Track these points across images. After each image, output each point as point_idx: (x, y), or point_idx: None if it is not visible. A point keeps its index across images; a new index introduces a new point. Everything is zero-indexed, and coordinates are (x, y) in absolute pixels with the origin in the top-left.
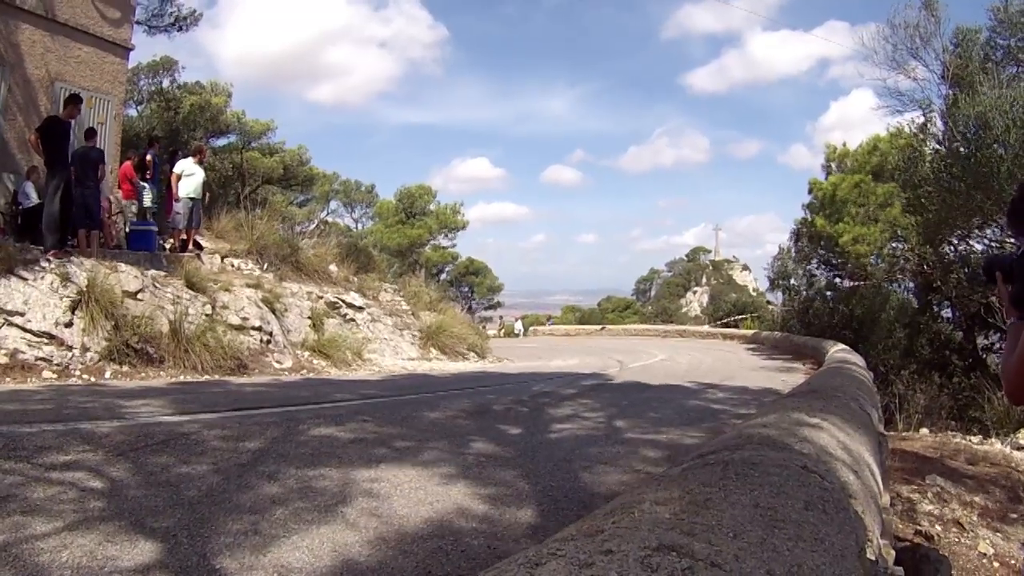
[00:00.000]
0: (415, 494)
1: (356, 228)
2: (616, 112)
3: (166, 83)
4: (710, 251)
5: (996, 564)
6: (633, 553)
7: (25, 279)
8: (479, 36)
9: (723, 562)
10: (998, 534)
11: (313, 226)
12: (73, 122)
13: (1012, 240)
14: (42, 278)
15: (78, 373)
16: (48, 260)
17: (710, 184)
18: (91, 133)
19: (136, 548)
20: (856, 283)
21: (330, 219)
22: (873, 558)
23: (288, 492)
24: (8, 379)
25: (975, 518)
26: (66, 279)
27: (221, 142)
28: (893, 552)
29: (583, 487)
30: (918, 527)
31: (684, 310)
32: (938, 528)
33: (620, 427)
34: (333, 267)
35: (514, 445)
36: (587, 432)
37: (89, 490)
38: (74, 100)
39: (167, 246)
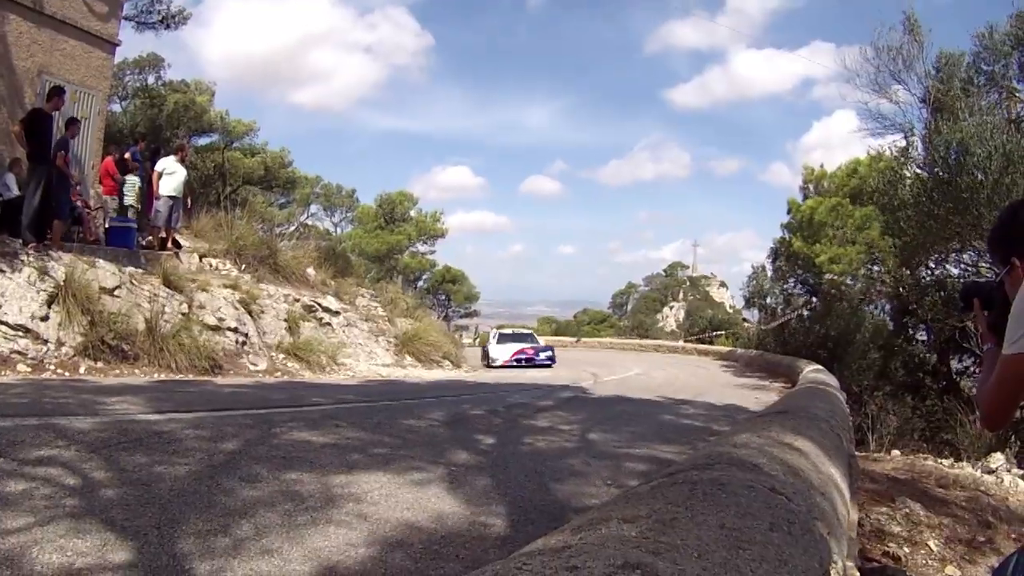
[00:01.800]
0: (387, 500)
1: (336, 232)
2: (597, 125)
3: (151, 80)
4: (688, 267)
5: None
6: (598, 570)
7: (2, 271)
8: (463, 45)
9: None
10: (965, 558)
11: (292, 228)
12: (57, 114)
13: (988, 265)
14: (19, 271)
15: (52, 368)
16: (27, 253)
17: (689, 200)
18: (71, 122)
19: (107, 546)
20: (831, 303)
21: (310, 222)
22: None
23: (262, 495)
24: None
25: (943, 541)
26: (44, 273)
27: (203, 141)
28: (858, 573)
29: (554, 499)
30: (886, 548)
31: (660, 325)
32: (906, 550)
33: (594, 440)
34: (311, 270)
35: (487, 455)
36: (561, 444)
37: (63, 486)
38: (57, 92)
39: (146, 243)
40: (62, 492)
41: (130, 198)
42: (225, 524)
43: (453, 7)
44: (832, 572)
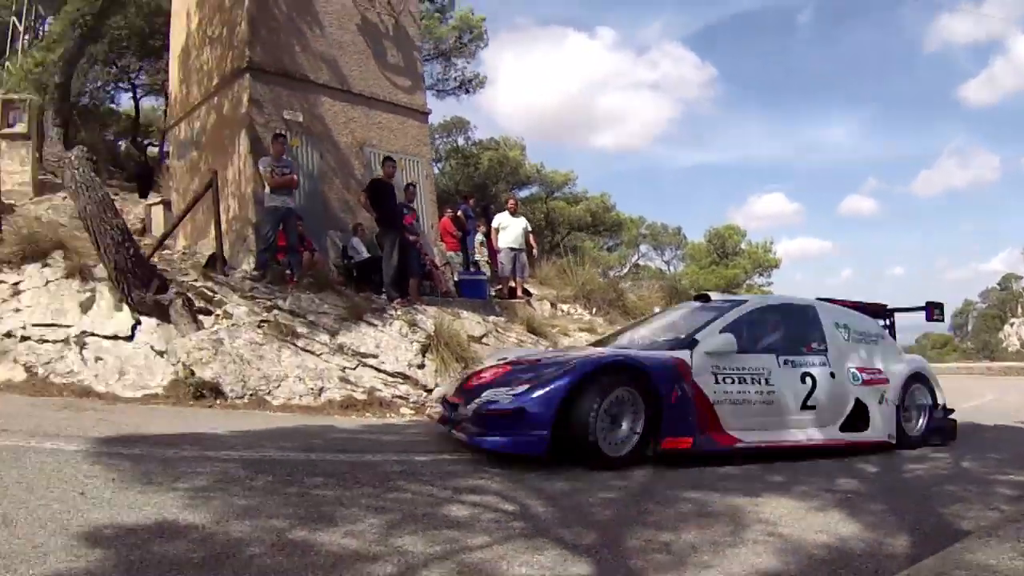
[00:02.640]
0: (798, 523)
1: (668, 270)
2: (897, 135)
3: (460, 141)
4: (1022, 277)
5: None
6: None
7: (374, 325)
8: (746, 72)
9: None
10: None
11: (626, 270)
12: (394, 181)
13: None
14: (390, 324)
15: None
16: (394, 308)
17: (1007, 203)
18: (408, 187)
19: (566, 561)
20: None
21: (641, 262)
22: None
23: (683, 516)
24: (368, 414)
25: None
26: (413, 325)
27: (523, 193)
28: None
29: (943, 522)
30: None
31: (1004, 344)
32: None
33: (966, 468)
34: (657, 309)
35: (871, 483)
36: (936, 472)
37: (502, 511)
38: (388, 162)
39: (496, 293)
40: (504, 516)
41: (476, 253)
42: (664, 543)
43: (724, 36)
44: None
